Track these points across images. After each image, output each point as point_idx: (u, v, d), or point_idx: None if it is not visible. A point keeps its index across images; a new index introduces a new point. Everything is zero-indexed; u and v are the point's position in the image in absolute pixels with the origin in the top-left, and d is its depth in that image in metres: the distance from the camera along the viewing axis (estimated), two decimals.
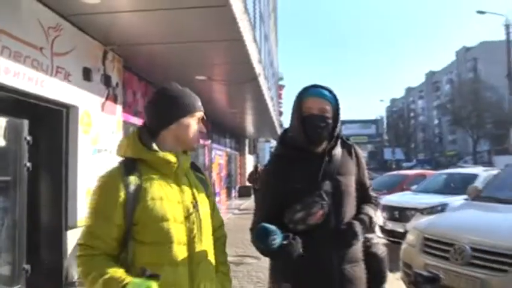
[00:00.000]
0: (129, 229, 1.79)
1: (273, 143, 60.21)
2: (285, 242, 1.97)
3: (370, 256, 2.31)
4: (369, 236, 2.37)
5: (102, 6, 5.31)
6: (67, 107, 5.80)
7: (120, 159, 1.96)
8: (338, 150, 2.28)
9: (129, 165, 1.87)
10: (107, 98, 6.82)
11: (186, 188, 1.96)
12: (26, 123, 5.48)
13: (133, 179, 1.82)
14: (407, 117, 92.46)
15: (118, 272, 1.71)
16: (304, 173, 2.20)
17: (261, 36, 11.94)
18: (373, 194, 2.46)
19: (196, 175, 2.12)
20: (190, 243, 1.89)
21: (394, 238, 9.05)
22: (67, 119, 5.82)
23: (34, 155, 5.53)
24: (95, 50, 6.45)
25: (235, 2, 5.79)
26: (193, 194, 1.97)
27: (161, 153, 1.89)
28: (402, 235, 8.77)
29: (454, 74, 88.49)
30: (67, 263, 5.76)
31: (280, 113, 39.18)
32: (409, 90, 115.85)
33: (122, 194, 1.78)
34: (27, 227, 5.47)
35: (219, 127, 19.12)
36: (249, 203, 19.74)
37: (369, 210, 2.32)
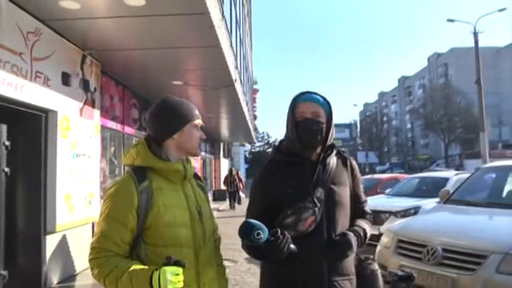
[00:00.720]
0: (140, 233, 1.92)
1: (248, 147, 60.66)
2: (271, 238, 1.93)
3: (364, 273, 2.26)
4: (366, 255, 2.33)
5: (81, 11, 5.37)
6: (46, 112, 5.80)
7: (127, 167, 2.10)
8: (333, 160, 2.26)
9: (139, 174, 1.98)
10: (85, 103, 6.83)
11: (191, 195, 2.09)
12: (4, 128, 5.46)
13: (145, 186, 1.94)
14: (380, 121, 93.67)
15: (141, 265, 1.83)
16: (298, 179, 2.17)
17: (236, 41, 12.06)
18: (368, 210, 2.40)
19: (197, 182, 2.25)
20: (197, 246, 2.02)
21: (369, 240, 9.24)
22: (46, 123, 5.81)
23: (12, 160, 5.51)
24: (73, 55, 6.47)
25: (213, 9, 5.89)
26: (197, 200, 2.10)
27: (171, 163, 2.03)
28: (377, 238, 9.00)
29: (426, 79, 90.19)
30: (46, 268, 5.75)
31: (255, 117, 39.44)
32: (382, 94, 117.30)
33: (136, 200, 1.90)
34: (5, 232, 5.45)
35: None
36: (225, 206, 20.02)
37: (364, 224, 2.27)
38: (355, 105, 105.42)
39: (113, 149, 9.18)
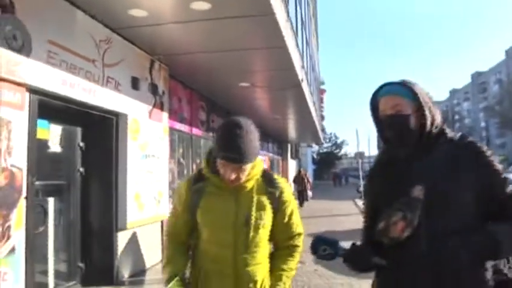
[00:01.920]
0: (196, 226, 2.25)
1: (315, 148, 60.16)
2: (343, 253, 1.93)
3: None
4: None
5: (148, 19, 5.62)
6: (117, 115, 6.14)
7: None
8: (442, 149, 1.85)
9: (198, 177, 2.29)
10: (154, 106, 7.15)
11: (243, 202, 2.19)
12: (79, 130, 5.87)
13: (198, 188, 2.23)
14: (452, 120, 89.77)
15: (172, 269, 2.23)
16: (395, 179, 1.88)
17: (302, 42, 12.09)
18: None
19: (267, 190, 2.26)
20: (236, 247, 2.16)
21: None
22: (117, 126, 6.17)
23: (86, 161, 5.91)
24: (142, 61, 6.80)
25: (279, 10, 5.95)
26: (249, 209, 2.18)
27: (215, 178, 2.20)
28: None
29: (503, 73, 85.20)
30: (118, 263, 6.09)
31: (322, 118, 39.13)
32: (453, 92, 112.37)
33: (186, 198, 2.25)
34: (81, 228, 5.85)
35: (261, 132, 19.20)
36: None
37: (499, 228, 1.71)
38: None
39: (181, 150, 9.51)
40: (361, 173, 24.04)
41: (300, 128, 20.17)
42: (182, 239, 2.33)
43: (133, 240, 6.47)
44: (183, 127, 9.25)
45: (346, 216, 16.57)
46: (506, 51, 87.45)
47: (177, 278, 2.15)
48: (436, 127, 1.87)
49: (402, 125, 1.85)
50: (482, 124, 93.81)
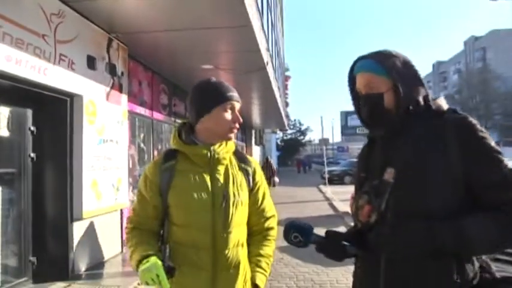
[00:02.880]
0: (166, 211, 2.03)
1: (279, 134, 60.36)
2: (314, 240, 1.78)
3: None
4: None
5: None
6: (71, 96, 5.67)
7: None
8: (424, 125, 1.64)
9: (169, 155, 2.08)
10: (112, 87, 6.68)
11: (219, 178, 2.05)
12: (29, 112, 5.38)
13: (168, 166, 2.04)
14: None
15: (145, 249, 1.92)
16: (369, 159, 1.78)
17: (268, 24, 11.75)
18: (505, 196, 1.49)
19: (240, 166, 2.16)
20: (215, 230, 1.98)
21: None
22: (71, 108, 5.69)
23: (38, 146, 5.43)
24: (99, 38, 6.31)
25: None
26: (226, 185, 2.04)
27: (194, 147, 2.05)
28: None
29: (462, 64, 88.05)
30: (73, 255, 5.67)
31: (287, 104, 39.03)
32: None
33: (157, 179, 2.03)
34: (32, 218, 5.39)
35: None
36: None
37: (474, 220, 1.49)
38: None
39: (142, 135, 9.06)
40: (325, 160, 24.14)
41: (264, 113, 19.93)
42: (151, 226, 2.08)
43: (90, 231, 6.04)
44: (144, 111, 8.80)
45: (312, 202, 16.53)
46: (465, 42, 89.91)
47: (154, 256, 1.84)
48: (417, 103, 1.68)
49: (375, 104, 1.71)
50: None
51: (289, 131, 65.66)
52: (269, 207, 2.24)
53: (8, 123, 5.06)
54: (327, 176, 23.97)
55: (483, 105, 62.41)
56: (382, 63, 1.69)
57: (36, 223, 5.40)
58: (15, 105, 5.15)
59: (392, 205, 1.57)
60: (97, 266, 6.19)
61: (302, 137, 73.90)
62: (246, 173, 2.15)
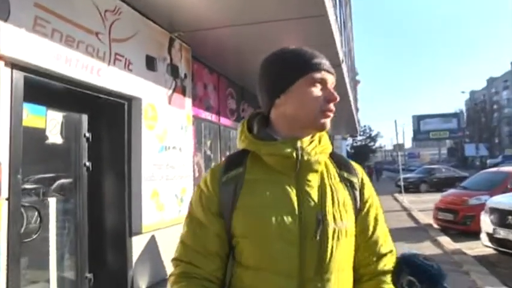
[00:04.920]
0: (232, 244, 1.39)
1: (349, 140, 58.63)
2: None
3: None
4: None
5: None
6: (129, 100, 5.23)
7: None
8: None
9: (234, 160, 1.47)
10: (174, 90, 6.22)
11: (310, 193, 1.38)
12: (84, 118, 4.99)
13: (232, 176, 1.41)
14: (490, 109, 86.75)
15: None
16: None
17: (340, 22, 10.97)
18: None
19: (342, 175, 1.48)
20: (304, 277, 1.30)
21: (507, 249, 7.77)
22: (129, 112, 5.25)
23: (94, 154, 5.03)
24: (159, 38, 5.87)
25: None
26: (322, 203, 1.37)
27: (270, 143, 1.41)
28: None
29: None
30: (132, 272, 5.21)
31: (357, 110, 37.72)
32: (491, 80, 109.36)
33: (217, 196, 1.40)
34: (89, 232, 4.98)
35: None
36: None
37: None
38: (463, 92, 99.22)
39: (208, 142, 8.58)
40: (400, 166, 22.80)
41: (336, 117, 18.82)
42: (210, 270, 1.38)
43: (151, 246, 5.55)
44: (210, 116, 8.31)
45: (389, 212, 15.39)
46: None
47: None
48: None
49: None
50: None
51: (359, 138, 63.83)
52: (384, 237, 1.49)
53: (61, 129, 4.68)
54: (402, 183, 22.58)
55: None
56: None
57: (92, 236, 4.99)
58: (69, 110, 4.76)
59: None
60: (158, 283, 5.67)
61: (372, 143, 71.67)
62: (350, 185, 1.46)
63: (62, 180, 4.78)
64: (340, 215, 1.37)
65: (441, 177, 27.68)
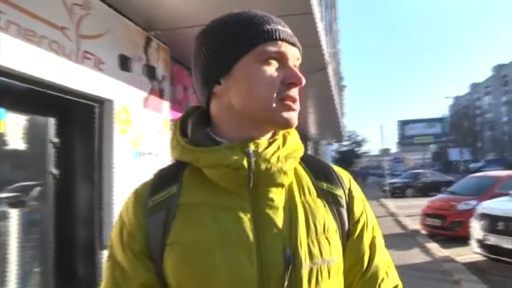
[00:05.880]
0: None
1: (335, 146, 58.53)
2: None
3: None
4: None
5: None
6: (100, 102, 4.81)
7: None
8: None
9: (166, 176, 1.09)
10: (150, 93, 5.82)
11: (274, 219, 0.98)
12: (51, 122, 4.58)
13: (161, 202, 1.03)
14: (473, 114, 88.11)
15: None
16: None
17: (326, 23, 10.70)
18: None
19: (320, 187, 1.08)
20: None
21: (498, 256, 7.54)
22: (100, 116, 4.83)
23: (61, 161, 4.61)
24: (134, 36, 5.48)
25: None
26: (290, 232, 0.98)
27: (211, 149, 1.02)
28: (509, 253, 7.27)
29: None
30: None
31: (343, 115, 37.55)
32: (474, 86, 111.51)
33: (141, 229, 1.02)
34: (55, 247, 4.55)
35: None
36: None
37: None
38: (446, 97, 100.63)
39: None
40: (386, 171, 22.67)
41: (321, 121, 18.65)
42: None
43: None
44: None
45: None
46: None
47: None
48: None
49: None
50: (505, 119, 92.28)
51: (345, 143, 63.94)
52: (385, 269, 1.10)
53: (24, 133, 4.26)
54: (388, 188, 22.41)
55: None
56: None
57: (59, 251, 4.55)
58: (33, 113, 4.35)
59: None
60: None
61: (358, 149, 71.80)
62: (333, 201, 1.07)
63: (26, 190, 4.37)
64: (320, 248, 0.99)
65: (427, 181, 27.66)
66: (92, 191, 4.71)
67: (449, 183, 22.38)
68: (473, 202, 10.50)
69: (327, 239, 1.01)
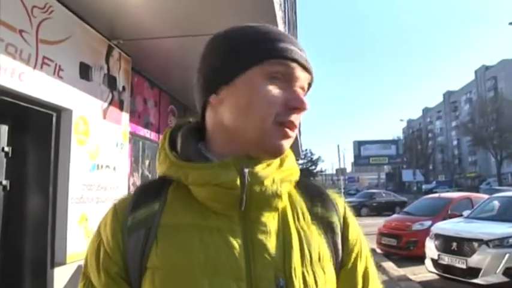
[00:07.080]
0: None
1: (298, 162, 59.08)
2: None
3: None
4: None
5: None
6: (57, 110, 4.58)
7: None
8: None
9: (149, 192, 0.99)
10: (110, 103, 5.62)
11: (267, 245, 0.91)
12: (4, 129, 4.32)
13: (143, 219, 0.93)
14: (425, 137, 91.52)
15: None
16: None
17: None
18: None
19: (315, 213, 1.00)
20: None
21: (451, 275, 7.69)
22: (57, 125, 4.59)
23: (13, 171, 4.34)
24: (96, 44, 5.29)
25: None
26: (284, 260, 0.90)
27: (202, 166, 0.93)
28: (462, 272, 7.42)
29: (473, 93, 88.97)
30: None
31: (300, 132, 37.96)
32: (426, 110, 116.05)
33: (118, 252, 0.92)
34: (2, 262, 4.25)
35: None
36: None
37: None
38: (401, 120, 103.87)
39: (147, 161, 7.97)
40: (343, 190, 22.98)
41: None
42: None
43: (77, 279, 4.86)
44: (149, 134, 7.72)
45: None
46: (476, 72, 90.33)
47: None
48: None
49: None
50: (455, 142, 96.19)
51: (300, 161, 64.60)
52: None
53: None
54: None
55: (497, 134, 62.11)
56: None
57: (6, 268, 4.26)
58: None
59: None
60: None
61: (313, 167, 72.70)
62: (328, 228, 1.01)
63: None
64: (315, 277, 0.92)
65: (381, 201, 28.26)
66: (46, 204, 4.44)
67: (403, 203, 22.93)
68: (428, 222, 10.80)
69: (321, 267, 0.94)
